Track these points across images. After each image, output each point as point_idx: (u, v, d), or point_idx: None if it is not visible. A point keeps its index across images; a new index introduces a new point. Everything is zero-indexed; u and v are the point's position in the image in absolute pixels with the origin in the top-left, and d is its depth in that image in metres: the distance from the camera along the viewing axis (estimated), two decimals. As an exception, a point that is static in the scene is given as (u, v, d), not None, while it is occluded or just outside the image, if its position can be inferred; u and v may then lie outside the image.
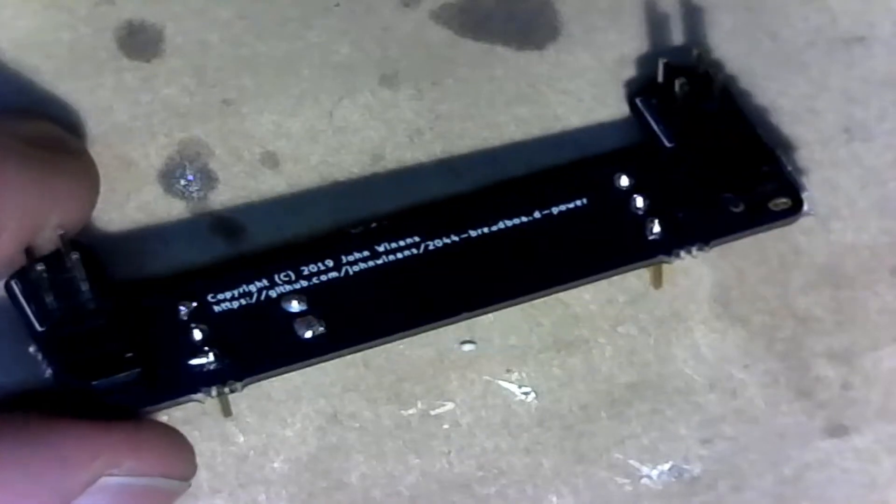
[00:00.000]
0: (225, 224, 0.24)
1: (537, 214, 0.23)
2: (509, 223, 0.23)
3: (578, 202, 0.24)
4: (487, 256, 0.23)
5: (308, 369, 0.24)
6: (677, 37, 0.25)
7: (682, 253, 0.23)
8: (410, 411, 0.25)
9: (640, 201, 0.23)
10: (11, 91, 0.24)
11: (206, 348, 0.23)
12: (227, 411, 0.23)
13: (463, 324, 0.24)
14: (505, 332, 0.25)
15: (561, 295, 0.25)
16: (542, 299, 0.25)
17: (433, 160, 0.25)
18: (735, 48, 0.25)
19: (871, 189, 0.25)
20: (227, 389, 0.23)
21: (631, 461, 0.25)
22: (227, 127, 0.24)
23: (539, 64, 0.25)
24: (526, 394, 0.25)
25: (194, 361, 0.23)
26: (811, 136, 0.25)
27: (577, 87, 0.25)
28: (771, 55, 0.25)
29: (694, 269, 0.25)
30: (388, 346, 0.24)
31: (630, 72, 0.25)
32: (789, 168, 0.24)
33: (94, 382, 0.22)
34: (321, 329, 0.23)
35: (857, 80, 0.25)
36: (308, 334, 0.23)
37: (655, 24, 0.25)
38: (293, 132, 0.24)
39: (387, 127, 0.25)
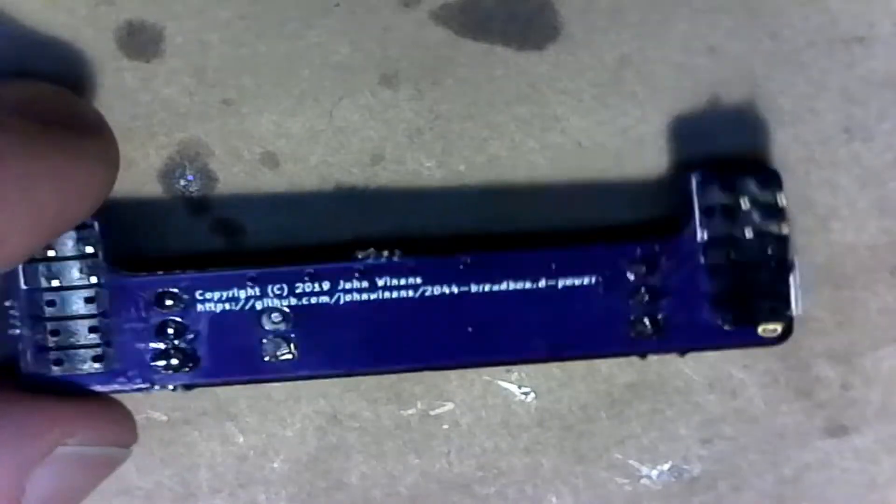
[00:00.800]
0: (225, 224, 0.24)
1: (542, 283, 0.23)
2: (512, 286, 0.23)
3: (587, 280, 0.23)
4: (480, 315, 0.23)
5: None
6: (679, 39, 0.25)
7: (657, 356, 0.24)
8: (410, 411, 0.25)
9: (643, 296, 0.23)
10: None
11: (173, 351, 0.23)
12: None
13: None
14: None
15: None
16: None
17: (434, 160, 0.25)
18: (735, 48, 0.25)
19: (871, 189, 0.25)
20: (177, 390, 0.23)
21: (631, 461, 0.25)
22: (227, 127, 0.24)
23: (539, 64, 0.25)
24: (526, 394, 0.25)
25: (156, 363, 0.23)
26: (811, 136, 0.25)
27: (577, 87, 0.25)
28: (771, 55, 0.25)
29: (694, 269, 0.25)
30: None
31: (631, 73, 0.25)
32: (797, 291, 0.24)
33: (54, 371, 0.23)
34: (289, 356, 0.23)
35: (857, 80, 0.25)
36: (271, 358, 0.23)
37: (656, 24, 0.25)
38: (293, 132, 0.24)
39: (387, 127, 0.25)
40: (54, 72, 0.24)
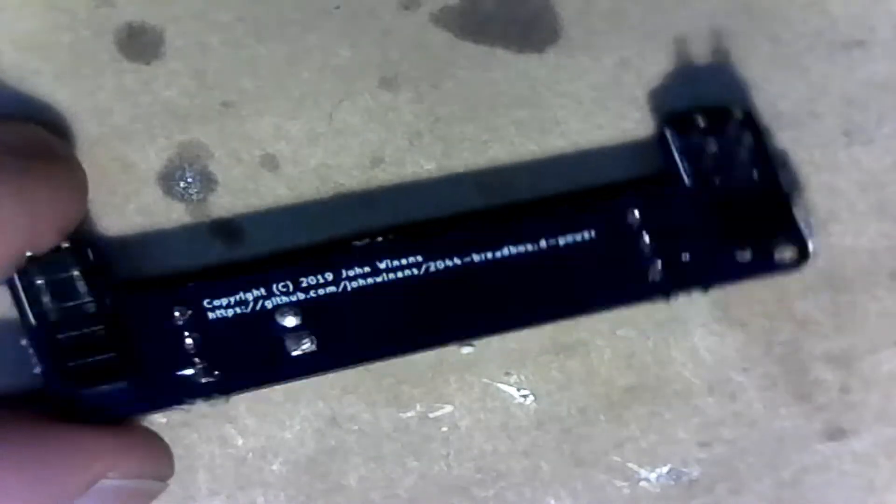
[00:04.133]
0: (224, 226, 0.24)
1: (543, 244, 0.23)
2: (514, 250, 0.23)
3: (586, 234, 0.23)
4: (488, 282, 0.23)
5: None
6: (678, 40, 0.25)
7: (681, 295, 0.24)
8: (409, 414, 0.25)
9: (647, 240, 0.23)
10: (11, 93, 0.24)
11: (196, 360, 0.23)
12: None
13: (462, 327, 0.25)
14: (503, 335, 0.25)
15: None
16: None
17: (433, 163, 0.25)
18: (735, 51, 0.25)
19: (871, 192, 0.25)
20: (211, 403, 0.23)
21: (629, 464, 0.25)
22: (227, 129, 0.24)
23: (539, 67, 0.25)
24: (524, 396, 0.25)
25: (182, 372, 0.23)
26: (811, 140, 0.25)
27: (576, 90, 0.25)
28: (771, 58, 0.25)
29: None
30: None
31: (630, 75, 0.25)
32: (803, 217, 0.24)
33: (82, 391, 0.22)
34: (312, 347, 0.23)
35: (857, 83, 0.25)
36: (298, 352, 0.23)
37: (656, 27, 0.25)
38: (293, 135, 0.24)
39: (386, 129, 0.25)
40: (54, 74, 0.24)
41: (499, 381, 0.25)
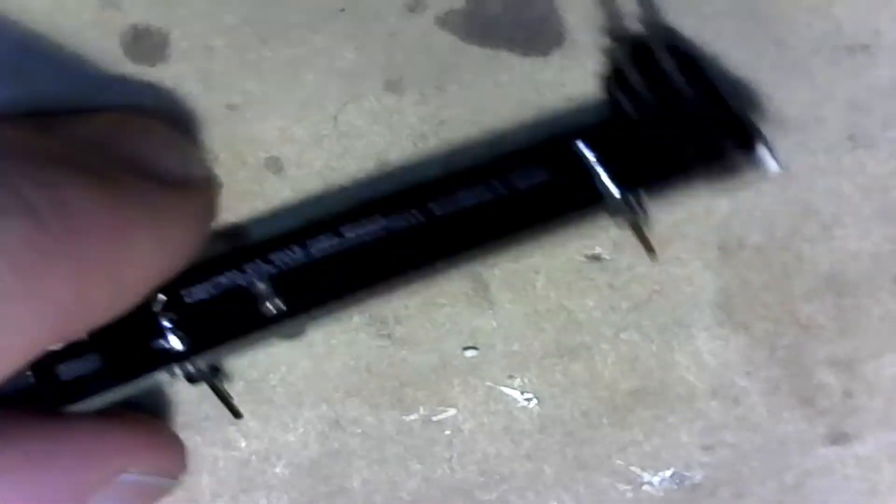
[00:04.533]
0: (228, 228, 0.24)
1: (497, 185, 0.24)
2: (471, 198, 0.23)
3: (544, 176, 0.24)
4: (451, 225, 0.23)
5: (310, 373, 0.24)
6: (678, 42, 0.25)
7: (632, 201, 0.23)
8: (412, 417, 0.25)
9: (592, 159, 0.23)
10: (16, 96, 0.24)
11: (169, 332, 0.23)
12: (234, 413, 0.24)
13: (465, 330, 0.25)
14: (507, 338, 0.25)
15: (564, 301, 0.25)
16: (545, 306, 0.25)
17: (437, 166, 0.25)
18: (740, 56, 0.25)
19: (875, 196, 0.25)
20: (190, 367, 0.23)
21: (632, 468, 0.25)
22: (232, 132, 0.24)
23: (544, 70, 0.25)
24: (528, 400, 0.25)
25: (156, 343, 0.23)
26: (816, 144, 0.25)
27: (581, 93, 0.25)
28: (776, 63, 0.25)
29: (697, 276, 0.25)
30: (391, 351, 0.25)
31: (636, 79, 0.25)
32: (752, 124, 0.24)
33: (55, 367, 0.23)
34: (279, 303, 0.23)
35: (862, 88, 0.25)
36: (266, 308, 0.23)
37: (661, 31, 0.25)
38: (297, 137, 0.24)
39: (391, 132, 0.25)
40: (60, 76, 0.24)
41: (502, 385, 0.25)
